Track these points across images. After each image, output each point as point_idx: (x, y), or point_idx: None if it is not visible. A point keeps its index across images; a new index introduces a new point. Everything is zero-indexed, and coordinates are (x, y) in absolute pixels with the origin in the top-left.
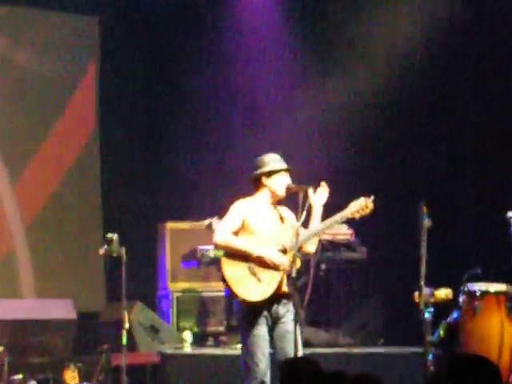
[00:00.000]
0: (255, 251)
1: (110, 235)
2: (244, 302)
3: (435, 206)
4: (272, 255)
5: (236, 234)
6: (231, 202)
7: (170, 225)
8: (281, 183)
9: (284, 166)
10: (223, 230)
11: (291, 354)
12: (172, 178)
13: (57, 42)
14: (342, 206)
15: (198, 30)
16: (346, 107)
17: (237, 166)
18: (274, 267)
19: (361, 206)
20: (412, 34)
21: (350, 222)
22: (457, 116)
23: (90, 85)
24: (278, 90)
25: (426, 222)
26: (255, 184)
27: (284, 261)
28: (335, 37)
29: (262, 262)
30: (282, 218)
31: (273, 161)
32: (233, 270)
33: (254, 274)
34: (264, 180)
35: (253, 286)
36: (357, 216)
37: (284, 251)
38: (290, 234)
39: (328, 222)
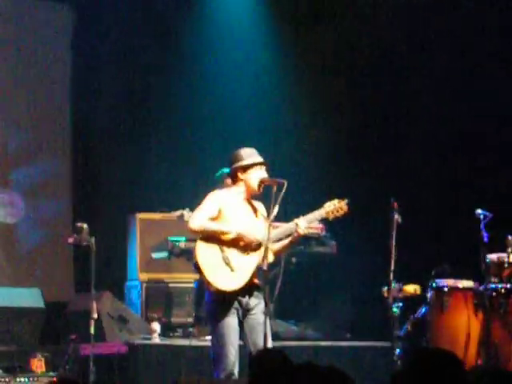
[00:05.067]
0: (233, 230)
1: (79, 224)
2: (216, 291)
3: (405, 202)
4: (250, 232)
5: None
6: (203, 194)
7: (141, 215)
8: (256, 177)
9: (259, 159)
10: (199, 215)
11: (260, 345)
12: (143, 168)
13: (30, 29)
14: (314, 205)
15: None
16: (317, 108)
17: (209, 158)
18: (252, 245)
19: (335, 207)
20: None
21: (322, 220)
22: (427, 115)
23: (64, 73)
24: (250, 86)
25: (396, 218)
26: (231, 178)
27: (259, 237)
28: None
29: (237, 247)
30: (256, 213)
31: (248, 155)
32: (207, 258)
33: (228, 264)
34: (240, 174)
35: (226, 276)
36: (330, 217)
37: (258, 245)
38: (263, 228)
39: (303, 219)
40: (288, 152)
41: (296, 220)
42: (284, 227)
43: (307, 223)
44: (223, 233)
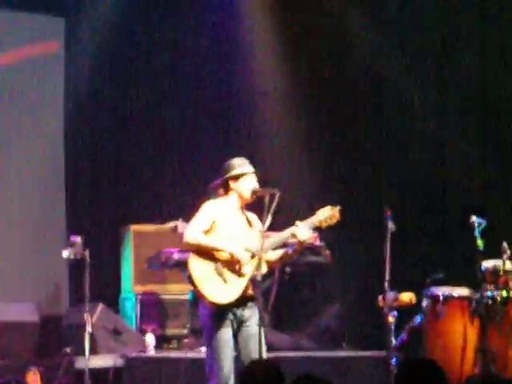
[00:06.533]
0: (228, 248)
1: (73, 238)
2: (210, 303)
3: (399, 209)
4: (243, 255)
5: (205, 234)
6: (196, 205)
7: (134, 227)
8: (247, 186)
9: (250, 169)
10: (194, 229)
11: (255, 357)
12: (136, 180)
13: (21, 42)
14: (307, 213)
15: (165, 31)
16: (310, 112)
17: (202, 168)
18: (242, 268)
19: (328, 215)
20: None
21: (314, 228)
22: (420, 121)
23: (56, 86)
24: (242, 95)
25: (390, 226)
26: (224, 188)
27: (247, 260)
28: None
29: (230, 262)
30: (249, 223)
31: (239, 165)
32: (200, 271)
33: (221, 275)
34: (231, 184)
35: (219, 288)
36: (323, 225)
37: (252, 256)
38: (257, 238)
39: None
40: (282, 160)
41: (293, 227)
42: (279, 236)
43: (308, 228)
44: (218, 250)
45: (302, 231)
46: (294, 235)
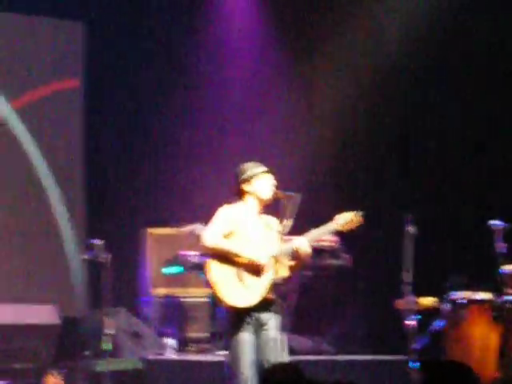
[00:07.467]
0: (246, 254)
1: (93, 241)
2: (230, 307)
3: (420, 213)
4: (261, 258)
5: (223, 238)
6: (214, 209)
7: (152, 230)
8: (263, 185)
9: (262, 168)
10: (213, 232)
11: (275, 361)
12: (155, 184)
13: (41, 47)
14: (327, 216)
15: (175, 35)
16: (328, 115)
17: (221, 173)
18: (262, 271)
19: (348, 219)
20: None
21: (336, 233)
22: (441, 125)
23: (75, 91)
24: (257, 98)
25: (411, 230)
26: (239, 193)
27: (269, 264)
28: (315, 41)
29: (250, 266)
30: (268, 227)
31: (250, 167)
32: (219, 275)
33: (241, 279)
34: (246, 187)
35: (239, 292)
36: (344, 229)
37: (272, 259)
38: (275, 242)
39: (314, 233)
40: (301, 164)
41: (294, 242)
42: (285, 247)
43: (309, 241)
44: (235, 255)
45: (302, 247)
46: (296, 250)
